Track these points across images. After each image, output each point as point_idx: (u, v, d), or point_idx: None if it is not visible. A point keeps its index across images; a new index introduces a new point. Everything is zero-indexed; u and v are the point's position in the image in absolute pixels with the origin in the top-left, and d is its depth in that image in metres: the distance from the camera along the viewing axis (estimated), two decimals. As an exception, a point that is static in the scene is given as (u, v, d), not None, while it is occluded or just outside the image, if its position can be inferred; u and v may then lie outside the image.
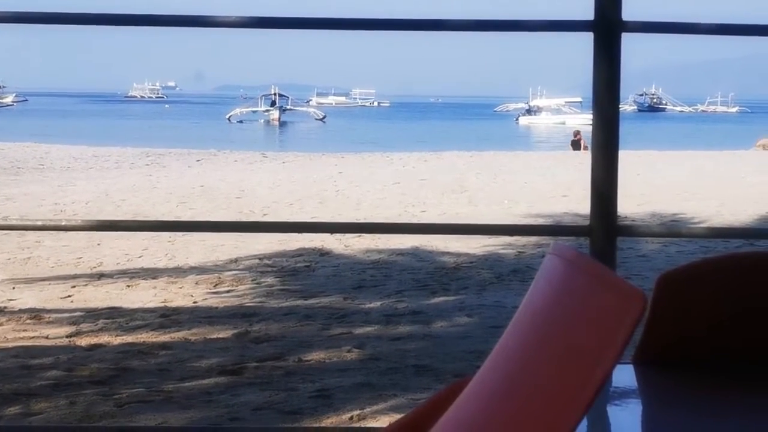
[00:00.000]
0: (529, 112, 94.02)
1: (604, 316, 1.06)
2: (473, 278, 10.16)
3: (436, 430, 1.21)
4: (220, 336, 7.59)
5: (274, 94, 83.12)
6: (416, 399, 5.69)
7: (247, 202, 17.29)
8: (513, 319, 1.21)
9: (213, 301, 8.97)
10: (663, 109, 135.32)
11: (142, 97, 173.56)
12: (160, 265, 10.95)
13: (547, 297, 1.20)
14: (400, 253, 11.58)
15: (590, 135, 3.14)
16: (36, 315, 8.27)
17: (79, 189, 19.33)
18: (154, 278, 10.09)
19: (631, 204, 15.42)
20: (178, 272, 10.45)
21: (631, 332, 1.01)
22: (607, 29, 3.00)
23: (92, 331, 7.74)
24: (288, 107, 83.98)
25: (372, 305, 8.81)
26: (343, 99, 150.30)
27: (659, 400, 1.69)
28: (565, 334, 1.10)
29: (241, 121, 75.74)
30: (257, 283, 9.84)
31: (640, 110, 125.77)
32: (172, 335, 7.60)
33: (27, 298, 9.03)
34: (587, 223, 3.14)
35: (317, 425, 5.46)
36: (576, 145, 34.70)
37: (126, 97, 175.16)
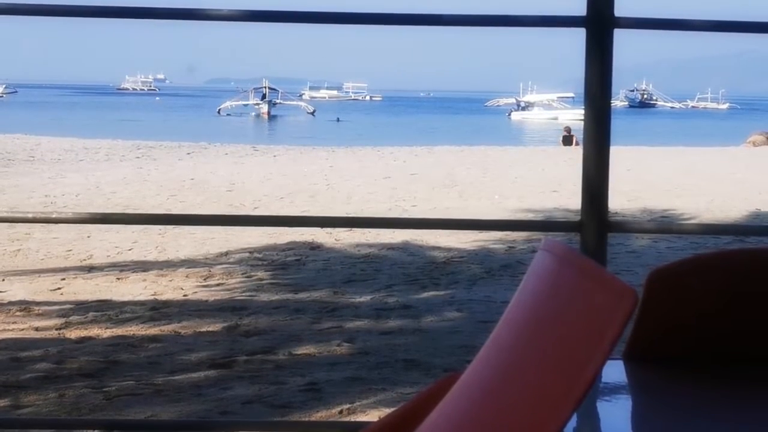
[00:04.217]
0: (519, 107, 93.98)
1: (595, 313, 1.05)
2: (463, 273, 10.17)
3: (426, 425, 1.21)
4: (210, 329, 7.59)
5: (265, 87, 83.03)
6: (406, 393, 5.70)
7: (238, 195, 17.27)
8: (504, 315, 1.21)
9: (203, 295, 8.97)
10: (653, 105, 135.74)
11: (134, 89, 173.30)
12: (150, 258, 10.93)
13: (538, 293, 1.20)
14: (391, 247, 11.59)
15: (581, 130, 3.14)
16: (25, 307, 8.26)
17: (69, 181, 19.29)
18: (144, 271, 10.08)
19: (621, 200, 15.46)
20: (168, 265, 10.44)
21: (621, 329, 1.01)
22: (599, 25, 3.00)
23: (82, 323, 7.73)
24: (278, 101, 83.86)
25: (362, 299, 8.81)
26: (335, 93, 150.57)
27: (649, 396, 1.69)
28: (556, 331, 1.10)
29: (229, 114, 75.63)
30: (247, 277, 9.84)
31: (631, 106, 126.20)
32: (162, 328, 7.60)
33: (16, 291, 9.02)
34: (578, 218, 3.14)
35: (307, 419, 5.46)
36: (567, 140, 34.76)
37: (118, 89, 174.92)
